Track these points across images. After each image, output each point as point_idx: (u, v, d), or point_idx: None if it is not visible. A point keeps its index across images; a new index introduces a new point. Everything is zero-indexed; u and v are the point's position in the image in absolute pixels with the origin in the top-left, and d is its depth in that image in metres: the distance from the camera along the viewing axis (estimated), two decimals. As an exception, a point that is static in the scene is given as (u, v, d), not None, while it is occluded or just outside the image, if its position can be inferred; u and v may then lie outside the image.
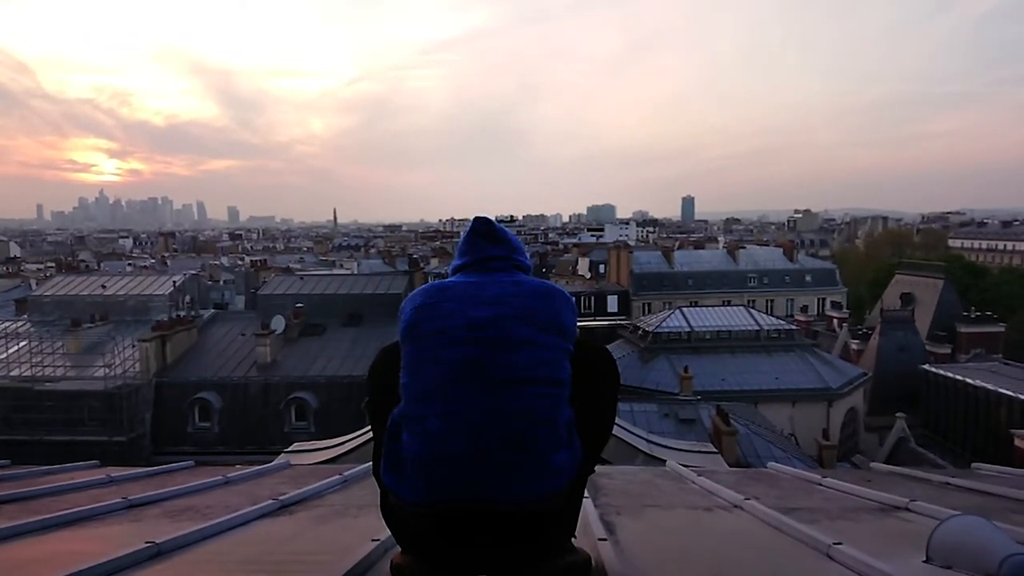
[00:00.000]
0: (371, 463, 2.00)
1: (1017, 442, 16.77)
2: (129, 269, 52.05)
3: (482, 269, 2.00)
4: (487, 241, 2.05)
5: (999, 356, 31.54)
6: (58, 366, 23.26)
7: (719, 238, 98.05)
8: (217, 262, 67.84)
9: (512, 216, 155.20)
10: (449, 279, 2.02)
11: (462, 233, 2.14)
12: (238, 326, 26.73)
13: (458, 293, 1.88)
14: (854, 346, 36.61)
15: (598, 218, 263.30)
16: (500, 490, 1.71)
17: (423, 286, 1.98)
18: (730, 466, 8.39)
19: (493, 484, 1.70)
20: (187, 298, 32.47)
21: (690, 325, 33.27)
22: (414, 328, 1.85)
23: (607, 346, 34.97)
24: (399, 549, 2.07)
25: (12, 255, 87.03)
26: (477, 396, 1.73)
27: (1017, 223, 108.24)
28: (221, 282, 50.22)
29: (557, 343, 1.84)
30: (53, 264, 60.78)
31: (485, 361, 1.75)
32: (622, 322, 44.31)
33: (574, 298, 2.04)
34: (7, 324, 27.06)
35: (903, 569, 1.94)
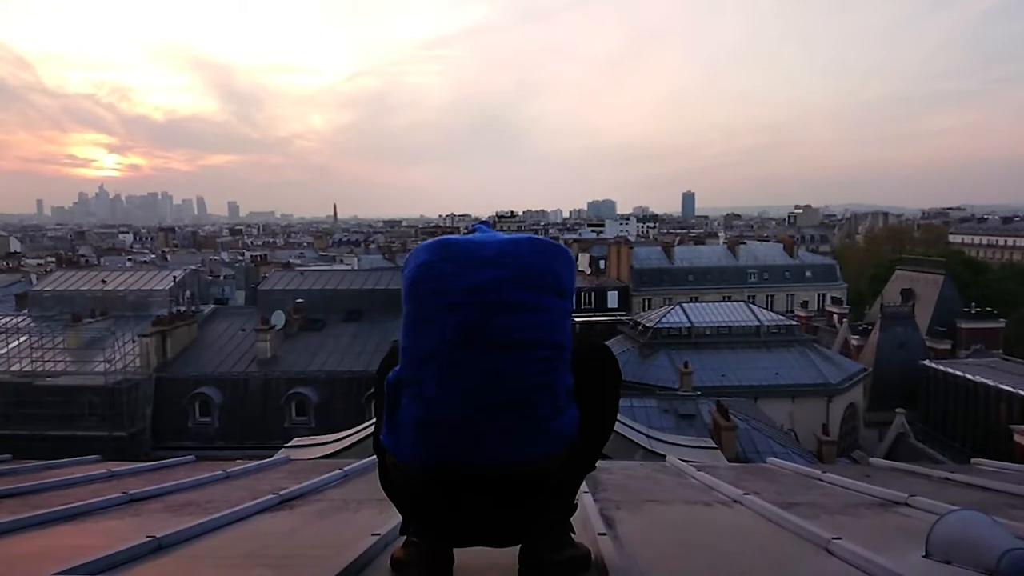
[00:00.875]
0: (370, 458, 2.01)
1: (1017, 438, 16.77)
2: (129, 264, 52.01)
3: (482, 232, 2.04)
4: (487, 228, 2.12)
5: (999, 352, 31.61)
6: (58, 361, 23.29)
7: (719, 234, 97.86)
8: (217, 257, 67.80)
9: (512, 212, 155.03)
10: (453, 236, 2.01)
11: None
12: (238, 321, 26.77)
13: (458, 252, 1.87)
14: (854, 342, 36.63)
15: (598, 214, 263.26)
16: (497, 452, 1.71)
17: (428, 241, 1.96)
18: (730, 461, 8.41)
19: (490, 447, 1.71)
20: (187, 293, 32.53)
21: (690, 321, 33.27)
22: (415, 285, 1.84)
23: (608, 342, 35.04)
24: (399, 543, 2.08)
25: (12, 250, 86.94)
26: (475, 361, 1.72)
27: (1017, 219, 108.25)
28: (221, 277, 50.26)
29: (556, 304, 1.83)
30: (53, 259, 60.76)
31: (483, 326, 1.74)
32: (622, 318, 44.31)
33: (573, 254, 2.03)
34: (7, 319, 27.07)
35: (902, 564, 1.94)
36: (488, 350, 1.72)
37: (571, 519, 2.11)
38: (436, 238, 1.96)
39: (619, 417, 8.33)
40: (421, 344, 1.77)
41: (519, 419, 1.72)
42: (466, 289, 1.77)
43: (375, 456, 2.04)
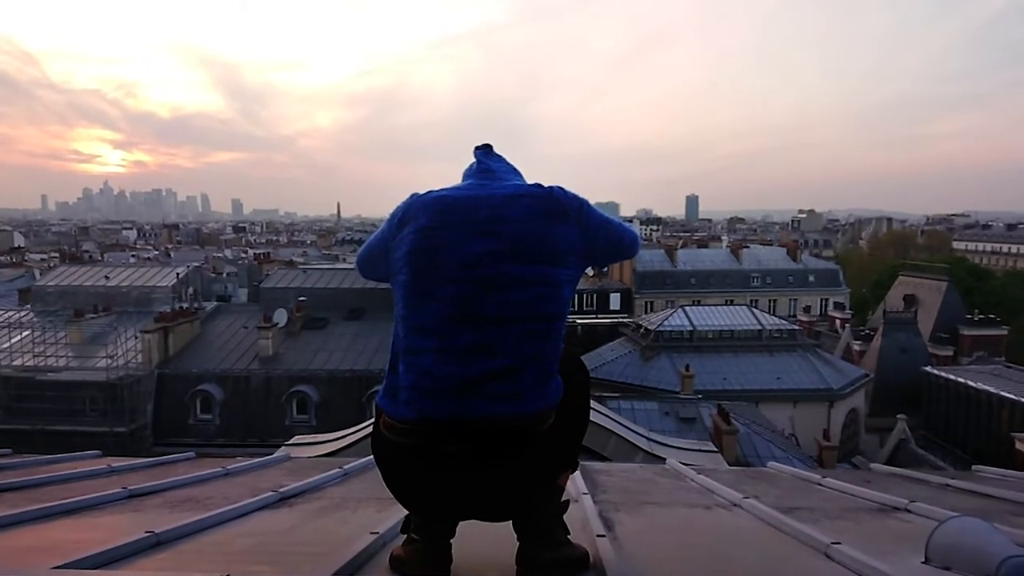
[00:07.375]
0: (370, 456, 2.03)
1: (1018, 445, 16.73)
2: (132, 260, 52.05)
3: (483, 174, 2.06)
4: (485, 155, 2.13)
5: (1001, 359, 31.49)
6: (60, 356, 23.31)
7: (723, 237, 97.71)
8: (220, 254, 67.91)
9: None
10: (450, 189, 2.03)
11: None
12: (240, 319, 26.76)
13: (455, 216, 1.90)
14: (856, 347, 36.57)
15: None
16: (485, 410, 1.78)
17: (425, 197, 1.98)
18: (730, 465, 8.39)
19: (479, 407, 1.78)
20: (190, 290, 32.54)
21: (692, 324, 33.24)
22: (413, 254, 1.90)
23: (609, 344, 35.04)
24: (398, 541, 2.09)
25: (16, 245, 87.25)
26: (468, 334, 1.80)
27: (1022, 226, 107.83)
28: (224, 275, 50.36)
29: (549, 275, 1.86)
30: (57, 254, 60.78)
31: (476, 301, 1.81)
32: (624, 320, 44.29)
33: (582, 199, 2.01)
34: (10, 313, 27.14)
35: (902, 569, 1.94)
36: (480, 325, 1.80)
37: (569, 520, 2.12)
38: (433, 193, 1.99)
39: (620, 419, 8.34)
40: (418, 318, 1.86)
41: (507, 386, 1.79)
42: (461, 263, 1.83)
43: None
